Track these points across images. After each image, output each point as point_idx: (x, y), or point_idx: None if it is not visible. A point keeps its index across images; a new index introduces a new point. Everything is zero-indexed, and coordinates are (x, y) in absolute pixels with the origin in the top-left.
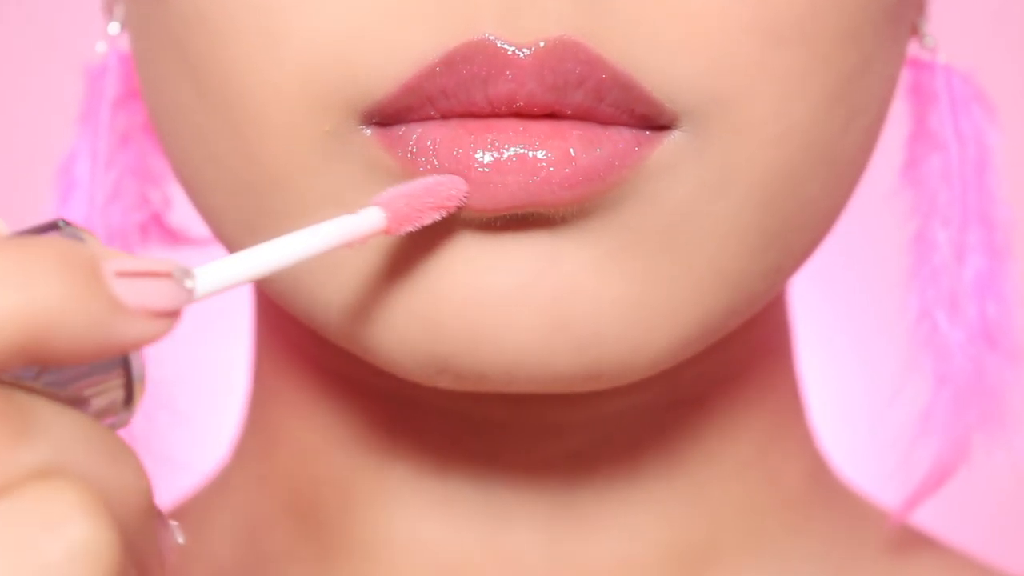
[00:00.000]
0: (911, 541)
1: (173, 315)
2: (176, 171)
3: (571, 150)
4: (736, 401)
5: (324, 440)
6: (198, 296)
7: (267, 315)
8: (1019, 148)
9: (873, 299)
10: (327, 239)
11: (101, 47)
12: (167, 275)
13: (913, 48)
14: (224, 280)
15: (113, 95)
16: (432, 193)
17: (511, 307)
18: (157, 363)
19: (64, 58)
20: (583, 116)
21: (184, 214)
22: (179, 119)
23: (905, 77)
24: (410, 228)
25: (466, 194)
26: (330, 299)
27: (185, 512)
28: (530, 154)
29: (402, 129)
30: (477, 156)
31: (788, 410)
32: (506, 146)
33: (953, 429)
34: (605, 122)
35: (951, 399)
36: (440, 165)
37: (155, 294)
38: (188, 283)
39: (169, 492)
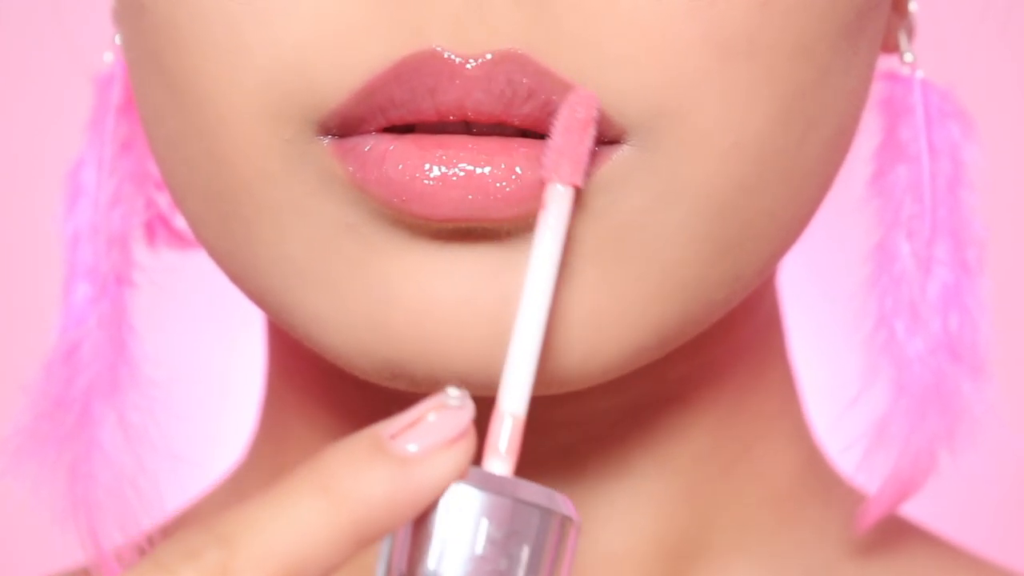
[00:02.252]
0: (903, 532)
1: (462, 438)
2: (161, 176)
3: (517, 167)
4: (722, 401)
5: (329, 441)
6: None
7: (275, 325)
8: (997, 166)
9: (837, 304)
10: (556, 248)
11: (108, 57)
12: (438, 407)
13: (892, 63)
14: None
15: (117, 103)
16: (573, 126)
17: (458, 317)
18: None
19: (71, 66)
20: (531, 126)
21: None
22: (159, 126)
23: (878, 90)
24: (584, 168)
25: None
26: (295, 302)
27: (199, 512)
28: (477, 170)
29: (355, 140)
30: (425, 169)
31: (776, 407)
32: (454, 162)
33: (910, 439)
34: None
35: (908, 408)
36: (389, 178)
37: (434, 430)
38: (458, 402)
39: (183, 491)
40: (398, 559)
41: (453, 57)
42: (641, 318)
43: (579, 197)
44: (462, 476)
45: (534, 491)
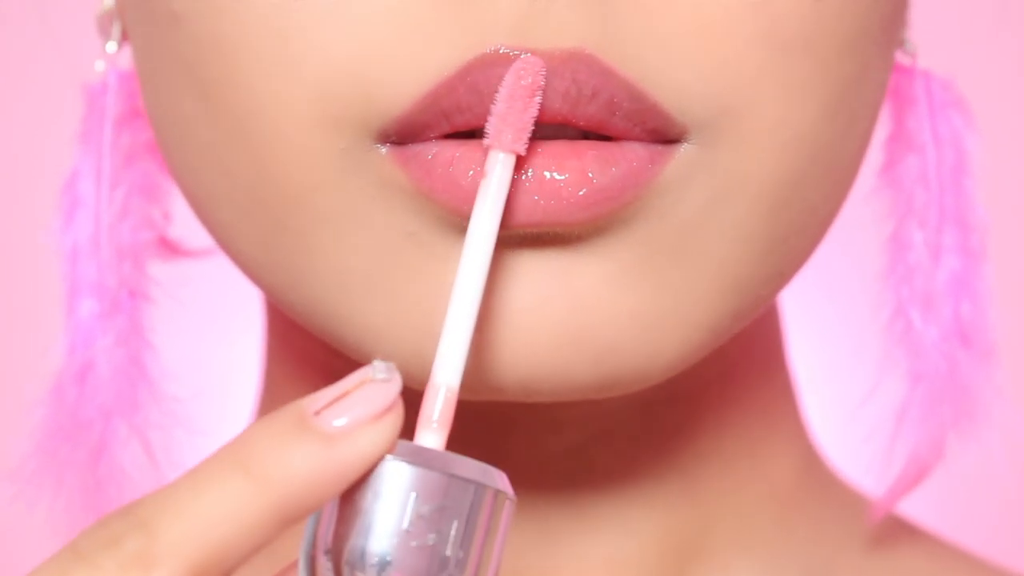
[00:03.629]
0: (900, 532)
1: (389, 411)
2: (183, 187)
3: (588, 172)
4: (727, 399)
5: None
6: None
7: (277, 325)
8: (997, 152)
9: (850, 296)
10: (494, 214)
11: (100, 66)
12: (363, 382)
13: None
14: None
15: (115, 114)
16: (519, 93)
17: (529, 323)
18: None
19: (59, 76)
20: (595, 128)
21: (181, 226)
22: (188, 137)
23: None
24: (528, 136)
25: (543, 67)
26: (350, 313)
27: None
28: (547, 175)
29: (417, 148)
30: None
31: (778, 407)
32: (525, 167)
33: (927, 426)
34: (617, 136)
35: (925, 396)
36: (458, 184)
37: (359, 405)
38: (384, 374)
39: None
40: (323, 534)
41: (520, 56)
42: (700, 317)
43: (645, 198)
44: (391, 450)
45: (467, 465)
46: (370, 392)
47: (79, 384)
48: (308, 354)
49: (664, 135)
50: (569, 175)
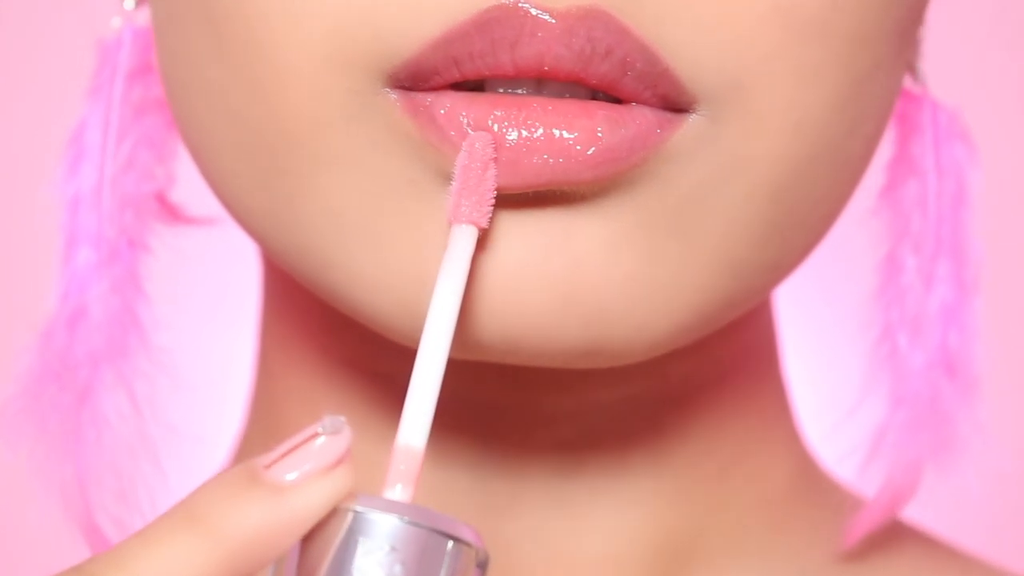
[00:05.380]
0: (896, 534)
1: (338, 464)
2: (186, 135)
3: (598, 130)
4: (722, 403)
5: None
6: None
7: (274, 303)
8: (997, 185)
9: (844, 311)
10: (456, 291)
11: (116, 22)
12: (313, 436)
13: (906, 82)
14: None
15: (128, 68)
16: (473, 167)
17: (523, 279)
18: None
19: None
20: (606, 88)
21: (185, 192)
22: (195, 77)
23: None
24: (490, 207)
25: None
26: (340, 258)
27: None
28: (557, 133)
29: (429, 98)
30: (506, 134)
31: (773, 412)
32: (536, 124)
33: (904, 451)
34: (626, 97)
35: (905, 421)
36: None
37: (309, 457)
38: (333, 428)
39: (183, 463)
40: None
41: (536, 12)
42: (692, 294)
43: (651, 163)
44: (347, 501)
45: (428, 515)
46: (320, 446)
47: (70, 329)
48: (305, 330)
49: (674, 102)
50: (579, 133)
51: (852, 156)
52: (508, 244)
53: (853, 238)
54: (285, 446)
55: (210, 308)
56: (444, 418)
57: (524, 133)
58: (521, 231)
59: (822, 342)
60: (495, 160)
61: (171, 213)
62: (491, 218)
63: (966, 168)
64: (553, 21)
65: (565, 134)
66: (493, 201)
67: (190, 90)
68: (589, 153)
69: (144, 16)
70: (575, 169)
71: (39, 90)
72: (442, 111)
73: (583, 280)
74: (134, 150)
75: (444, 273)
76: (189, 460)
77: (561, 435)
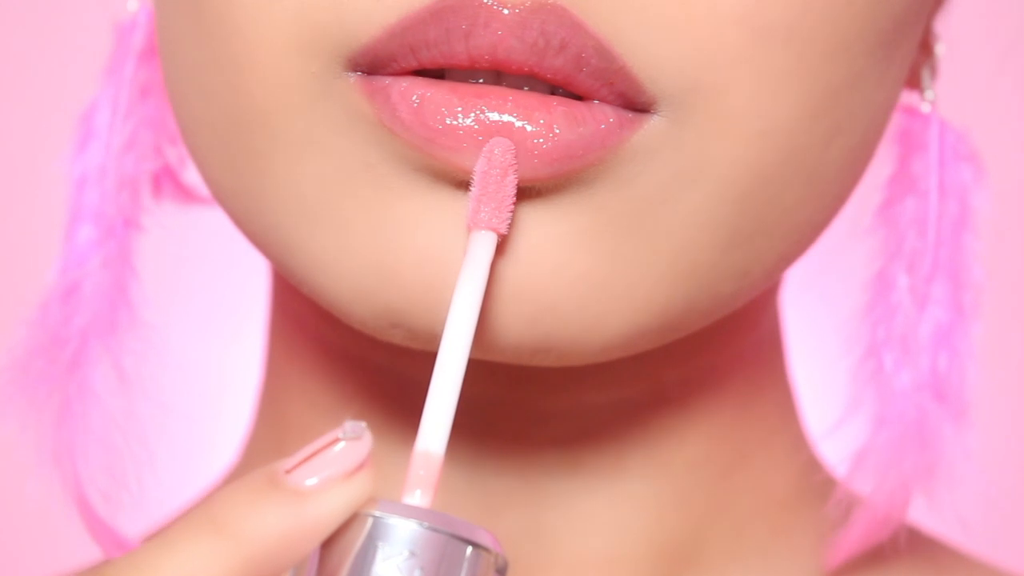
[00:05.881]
0: (899, 536)
1: (359, 470)
2: (176, 115)
3: (555, 126)
4: (722, 407)
5: (331, 424)
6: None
7: (280, 301)
8: (1002, 211)
9: (834, 327)
10: (475, 298)
11: (132, 5)
12: (334, 441)
13: (913, 99)
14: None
15: (139, 49)
16: (492, 173)
17: None
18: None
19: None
20: (562, 83)
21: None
22: (179, 56)
23: (896, 122)
24: (509, 213)
25: (513, 154)
26: (300, 241)
27: None
28: (516, 123)
29: (387, 80)
30: (459, 114)
31: (776, 418)
32: (493, 112)
33: (887, 473)
34: (584, 94)
35: (887, 442)
36: (422, 121)
37: (330, 463)
38: (354, 433)
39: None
40: None
41: (491, 3)
42: (647, 296)
43: (609, 162)
44: (367, 507)
45: (446, 520)
46: (340, 451)
47: (63, 304)
48: (307, 326)
49: (632, 101)
50: (535, 127)
51: (829, 167)
52: (456, 226)
53: (852, 253)
54: (306, 451)
55: (203, 289)
56: None
57: (480, 116)
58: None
59: (812, 357)
60: (514, 167)
61: (184, 194)
62: (510, 224)
63: (971, 190)
64: (507, 12)
65: (525, 126)
66: (512, 207)
67: (177, 70)
68: (545, 148)
69: None
70: (529, 164)
71: (52, 71)
72: (399, 90)
73: (532, 276)
74: (135, 131)
75: (463, 279)
76: (178, 437)
77: (557, 433)
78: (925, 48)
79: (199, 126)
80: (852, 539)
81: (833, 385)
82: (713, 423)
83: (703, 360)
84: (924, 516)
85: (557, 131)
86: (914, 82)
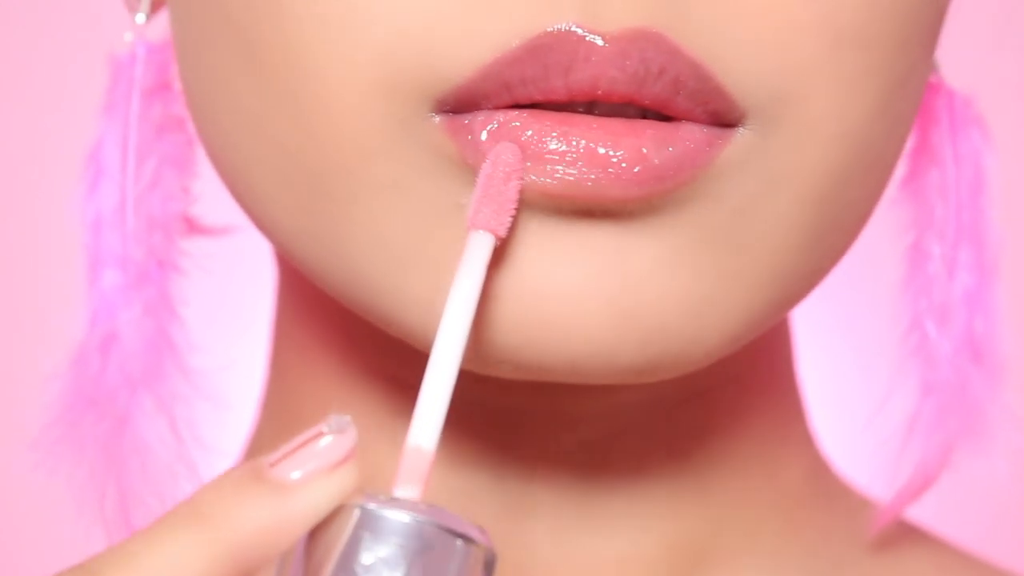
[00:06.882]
0: (906, 536)
1: (343, 462)
2: (216, 157)
3: (644, 149)
4: (740, 401)
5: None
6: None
7: (292, 310)
8: (1012, 170)
9: (870, 306)
10: (471, 296)
11: (128, 37)
12: (318, 435)
13: None
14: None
15: (145, 85)
16: (496, 176)
17: (580, 299)
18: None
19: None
20: (659, 107)
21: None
22: (227, 103)
23: None
24: (509, 217)
25: (525, 160)
26: (394, 286)
27: None
28: (601, 150)
29: (467, 118)
30: (548, 143)
31: (788, 412)
32: (578, 138)
33: (935, 437)
34: (678, 116)
35: (935, 408)
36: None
37: (313, 456)
38: (338, 427)
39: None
40: None
41: (589, 36)
42: (744, 305)
43: (700, 180)
44: (354, 499)
45: (433, 512)
46: (324, 445)
47: (103, 355)
48: (323, 339)
49: (724, 118)
50: (624, 151)
51: (888, 158)
52: (562, 262)
53: (875, 230)
54: (290, 445)
55: (245, 324)
56: (466, 422)
57: (564, 146)
58: (573, 248)
59: (843, 340)
60: (523, 171)
61: (189, 226)
62: (510, 228)
63: (983, 154)
64: (605, 45)
65: (611, 152)
66: (513, 211)
67: (220, 111)
68: (635, 171)
69: (155, 30)
70: (621, 186)
71: (50, 105)
72: (479, 120)
73: (638, 299)
74: (158, 169)
75: (459, 278)
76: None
77: (584, 437)
78: None
79: (258, 171)
80: (903, 501)
81: (857, 367)
82: (731, 417)
83: (728, 355)
84: (929, 518)
85: (645, 152)
86: None
